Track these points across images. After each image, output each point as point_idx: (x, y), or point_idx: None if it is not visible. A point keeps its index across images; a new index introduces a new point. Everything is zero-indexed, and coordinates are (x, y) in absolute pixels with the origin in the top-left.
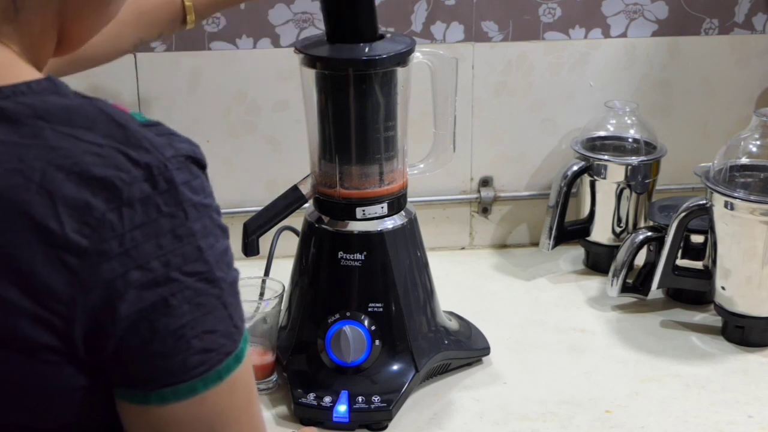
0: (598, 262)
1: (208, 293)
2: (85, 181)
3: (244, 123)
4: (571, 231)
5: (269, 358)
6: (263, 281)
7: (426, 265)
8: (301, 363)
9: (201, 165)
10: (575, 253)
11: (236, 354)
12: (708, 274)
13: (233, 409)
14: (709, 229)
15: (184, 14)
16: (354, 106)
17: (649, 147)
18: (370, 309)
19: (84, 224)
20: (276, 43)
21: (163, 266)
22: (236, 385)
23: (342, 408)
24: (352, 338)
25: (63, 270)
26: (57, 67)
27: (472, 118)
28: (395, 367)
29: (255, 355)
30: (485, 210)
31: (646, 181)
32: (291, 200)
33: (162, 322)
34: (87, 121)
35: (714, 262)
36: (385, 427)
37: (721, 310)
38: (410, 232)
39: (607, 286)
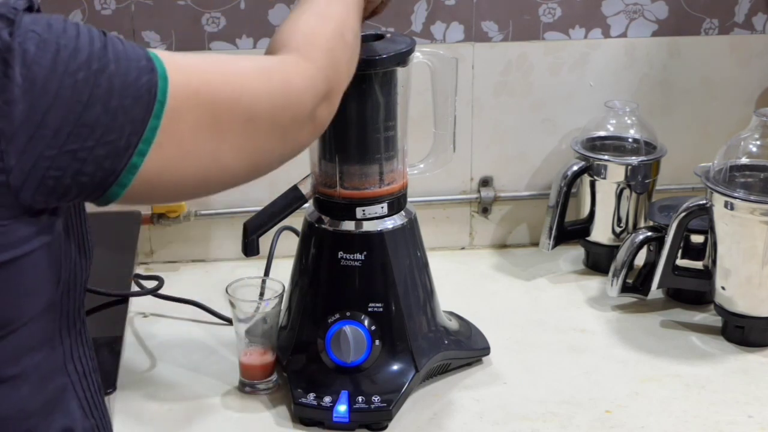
0: (598, 262)
1: (102, 66)
2: None
3: None
4: (571, 231)
5: (269, 358)
6: (263, 281)
7: (426, 265)
8: (301, 363)
9: (31, 8)
10: (575, 253)
11: (161, 74)
12: (708, 274)
13: (197, 103)
14: (709, 229)
15: None
16: (354, 106)
17: (649, 147)
18: (370, 309)
19: None
20: None
21: (58, 81)
22: (181, 89)
23: (342, 408)
24: (352, 338)
25: None
26: None
27: (472, 118)
28: (395, 367)
29: (255, 355)
30: (485, 210)
31: (646, 181)
32: (291, 200)
33: (89, 114)
34: None
35: (714, 262)
36: (385, 427)
37: (721, 310)
38: (410, 232)
39: (607, 286)
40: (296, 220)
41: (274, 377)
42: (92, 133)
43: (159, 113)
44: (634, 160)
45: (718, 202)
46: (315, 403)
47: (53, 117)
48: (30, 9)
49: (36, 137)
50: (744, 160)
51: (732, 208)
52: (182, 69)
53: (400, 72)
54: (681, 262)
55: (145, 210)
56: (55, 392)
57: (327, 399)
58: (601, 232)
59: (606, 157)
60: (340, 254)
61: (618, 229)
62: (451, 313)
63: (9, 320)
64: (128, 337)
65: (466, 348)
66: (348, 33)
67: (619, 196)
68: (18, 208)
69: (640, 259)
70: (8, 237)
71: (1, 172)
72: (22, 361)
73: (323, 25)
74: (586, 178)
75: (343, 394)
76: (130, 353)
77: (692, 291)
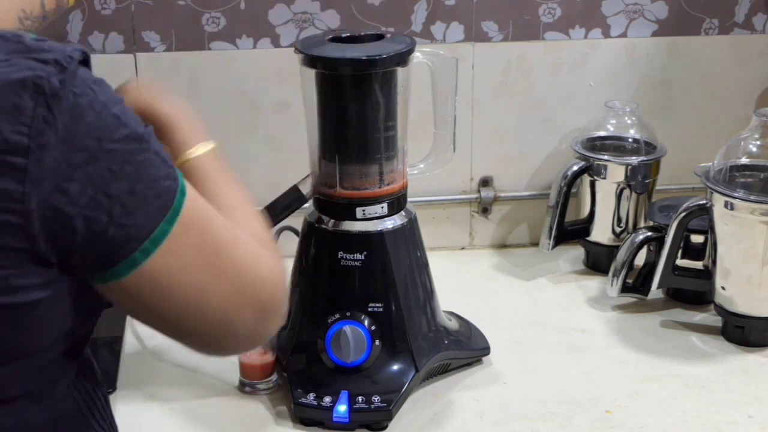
0: (598, 262)
1: (141, 149)
2: (8, 87)
3: (244, 123)
4: (571, 231)
5: (269, 358)
6: None
7: (426, 265)
8: (301, 363)
9: (87, 63)
10: (575, 253)
11: (180, 188)
12: (708, 274)
13: (203, 223)
14: (709, 229)
15: None
16: (354, 106)
17: (649, 147)
18: (370, 309)
19: (20, 124)
20: (276, 43)
21: (96, 142)
22: (194, 206)
23: (342, 408)
24: (352, 338)
25: (12, 171)
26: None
27: (472, 118)
28: (395, 367)
29: (255, 355)
30: (485, 210)
31: (646, 181)
32: (291, 200)
33: (115, 187)
34: None
35: (714, 262)
36: (385, 427)
37: (721, 310)
38: (410, 232)
39: (607, 286)
40: (296, 220)
41: (274, 377)
42: (112, 208)
43: (172, 220)
44: (634, 160)
45: (718, 202)
46: (315, 403)
47: (82, 175)
48: (86, 62)
49: (61, 190)
50: (744, 160)
51: (732, 208)
52: (197, 199)
53: (400, 72)
54: (681, 262)
55: None
56: (61, 410)
57: (327, 399)
58: (601, 232)
59: (606, 157)
60: (340, 254)
61: (618, 229)
62: (451, 313)
63: (12, 351)
64: (128, 337)
65: (466, 348)
66: None
67: (619, 196)
68: (31, 253)
69: (640, 259)
70: (17, 281)
71: (20, 215)
72: (28, 383)
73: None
74: (586, 178)
75: (343, 394)
76: (130, 353)
77: (692, 291)
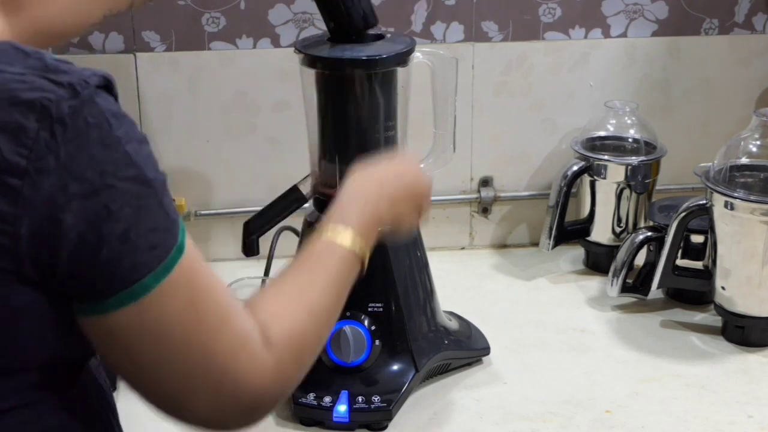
0: (598, 262)
1: (145, 194)
2: (15, 106)
3: (244, 123)
4: (571, 231)
5: None
6: (263, 281)
7: (426, 265)
8: None
9: (110, 89)
10: (575, 253)
11: (178, 246)
12: (708, 274)
13: (192, 294)
14: (709, 229)
15: None
16: (354, 106)
17: (649, 147)
18: (370, 309)
19: (20, 145)
20: (276, 43)
21: (98, 175)
22: (185, 274)
23: (342, 408)
24: (352, 338)
25: (6, 191)
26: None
27: (472, 118)
28: (395, 367)
29: None
30: (485, 210)
31: (646, 181)
32: (291, 200)
33: (107, 227)
34: (7, 58)
35: (714, 262)
36: (385, 427)
37: (721, 310)
38: None
39: (607, 286)
40: (296, 220)
41: None
42: (98, 249)
43: (158, 278)
44: (634, 160)
45: (718, 202)
46: (315, 403)
47: (77, 207)
48: (108, 88)
49: (53, 219)
50: (744, 160)
51: (732, 208)
52: (195, 263)
53: (400, 72)
54: (681, 262)
55: None
56: (54, 424)
57: (327, 399)
58: (601, 232)
59: (606, 157)
60: None
61: (618, 229)
62: (451, 313)
63: (4, 365)
64: None
65: (466, 348)
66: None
67: (619, 196)
68: (18, 274)
69: (640, 259)
70: (2, 300)
71: (10, 237)
72: (24, 395)
73: (312, 334)
74: (586, 178)
75: (343, 394)
76: None
77: (692, 291)
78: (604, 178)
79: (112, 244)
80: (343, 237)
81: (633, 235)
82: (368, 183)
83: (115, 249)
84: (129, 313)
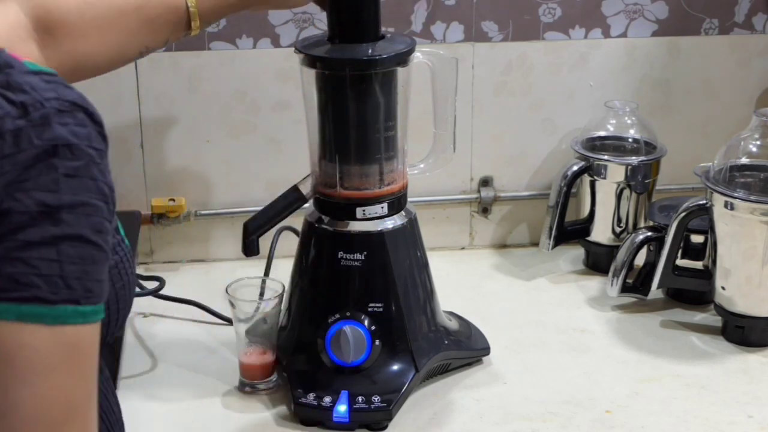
0: (598, 262)
1: (44, 227)
2: None
3: (244, 123)
4: (571, 231)
5: (269, 358)
6: (263, 281)
7: (426, 265)
8: (301, 363)
9: (92, 117)
10: (575, 253)
11: (49, 309)
12: (708, 274)
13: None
14: (709, 229)
15: (189, 20)
16: (354, 106)
17: (649, 147)
18: (370, 309)
19: None
20: (276, 43)
21: (26, 196)
22: (63, 349)
23: (342, 408)
24: (352, 338)
25: None
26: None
27: (472, 118)
28: (395, 367)
29: (255, 355)
30: (485, 210)
31: (646, 181)
32: (291, 200)
33: (8, 240)
34: None
35: (714, 262)
36: (385, 427)
37: (721, 310)
38: (410, 232)
39: (607, 286)
40: (296, 220)
41: (274, 377)
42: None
43: (31, 315)
44: (634, 160)
45: (718, 202)
46: (315, 403)
47: (5, 227)
48: (74, 113)
49: None
50: (744, 160)
51: (732, 208)
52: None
53: (400, 72)
54: (681, 262)
55: (145, 210)
56: None
57: (327, 399)
58: (601, 232)
59: (606, 157)
60: (340, 254)
61: (618, 229)
62: (451, 313)
63: None
64: (128, 337)
65: (466, 348)
66: None
67: (619, 196)
68: None
69: (640, 259)
70: None
71: None
72: None
73: None
74: (586, 178)
75: (343, 394)
76: (130, 353)
77: (692, 291)
78: (604, 178)
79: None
80: None
81: (633, 235)
82: None
83: (25, 277)
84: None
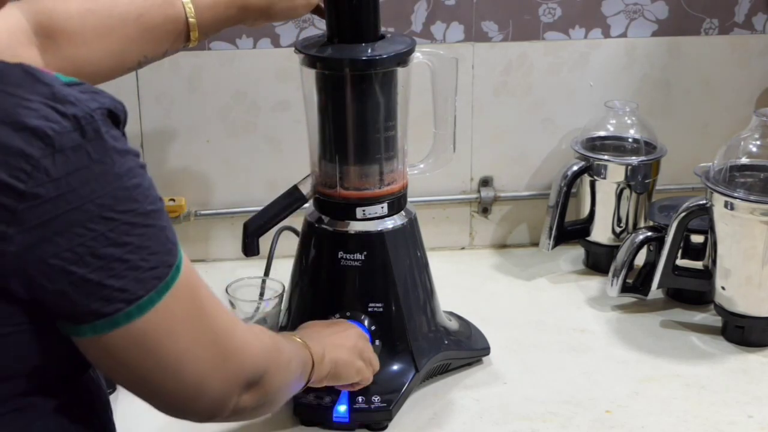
0: (598, 262)
1: (144, 224)
2: (19, 131)
3: (244, 123)
4: (571, 231)
5: None
6: (263, 281)
7: (426, 265)
8: None
9: (116, 119)
10: (575, 253)
11: (177, 265)
12: (708, 274)
13: (190, 309)
14: (709, 229)
15: (188, 31)
16: (354, 106)
17: (649, 147)
18: (370, 309)
19: (20, 170)
20: (276, 43)
21: (97, 208)
22: (184, 288)
23: (342, 408)
24: None
25: (1, 210)
26: None
27: (472, 118)
28: (395, 367)
29: None
30: (485, 210)
31: (646, 181)
32: (291, 200)
33: (106, 251)
34: (15, 80)
35: (714, 262)
36: (385, 427)
37: (721, 310)
38: (410, 232)
39: (607, 286)
40: (296, 220)
41: None
42: (97, 267)
43: (162, 292)
44: (634, 160)
45: (718, 202)
46: (315, 403)
47: (73, 234)
48: (114, 119)
49: (47, 239)
50: (744, 160)
51: (732, 208)
52: (191, 272)
53: (400, 72)
54: (681, 262)
55: None
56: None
57: (327, 399)
58: (601, 232)
59: (606, 157)
60: (340, 254)
61: (618, 229)
62: (451, 313)
63: None
64: None
65: (466, 348)
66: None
67: (619, 196)
68: (3, 291)
69: (640, 259)
70: None
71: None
72: (14, 402)
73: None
74: (586, 178)
75: (343, 394)
76: None
77: (692, 291)
78: (604, 178)
79: (111, 264)
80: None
81: (633, 235)
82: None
83: (115, 269)
84: (142, 324)
